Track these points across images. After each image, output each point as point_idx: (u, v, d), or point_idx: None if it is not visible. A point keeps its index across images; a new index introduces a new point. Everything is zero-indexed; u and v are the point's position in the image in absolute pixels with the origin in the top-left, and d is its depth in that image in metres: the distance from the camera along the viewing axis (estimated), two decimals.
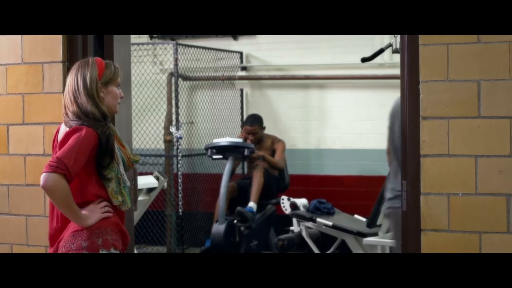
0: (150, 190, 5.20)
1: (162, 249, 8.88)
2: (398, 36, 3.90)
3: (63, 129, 3.43)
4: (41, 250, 4.06)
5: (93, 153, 3.32)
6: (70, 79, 3.43)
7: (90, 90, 3.38)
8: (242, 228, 7.81)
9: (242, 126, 8.81)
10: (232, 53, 9.35)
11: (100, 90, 3.41)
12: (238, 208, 7.58)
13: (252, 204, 7.73)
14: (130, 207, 3.48)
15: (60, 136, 3.42)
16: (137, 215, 5.01)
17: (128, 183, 3.46)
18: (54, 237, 3.41)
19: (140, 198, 4.95)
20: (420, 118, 3.35)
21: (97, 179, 3.37)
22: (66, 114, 3.41)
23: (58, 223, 3.39)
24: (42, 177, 3.21)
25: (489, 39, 3.26)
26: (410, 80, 3.40)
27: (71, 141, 3.28)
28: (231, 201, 7.92)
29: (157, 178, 5.20)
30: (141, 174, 5.84)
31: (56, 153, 3.38)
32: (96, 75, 3.41)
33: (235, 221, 7.55)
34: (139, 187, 4.54)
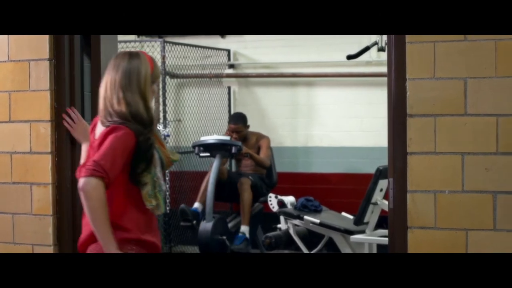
0: None
1: None
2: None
3: (100, 128, 3.23)
4: (28, 249, 4.04)
5: (129, 158, 3.15)
6: (119, 73, 3.20)
7: (143, 88, 3.19)
8: (230, 225, 7.81)
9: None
10: (220, 51, 9.35)
11: (150, 90, 3.23)
12: (231, 247, 7.53)
13: (244, 229, 7.68)
14: (163, 212, 3.30)
15: (97, 135, 3.24)
16: None
17: (164, 187, 3.28)
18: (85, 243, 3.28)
19: None
20: (407, 115, 3.35)
21: (125, 188, 3.22)
22: (108, 113, 3.19)
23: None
24: (81, 182, 3.04)
25: (475, 37, 3.26)
26: (397, 78, 3.40)
27: (107, 142, 3.10)
28: (219, 185, 7.87)
29: None
30: None
31: (93, 153, 3.19)
32: (149, 72, 3.23)
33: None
34: None
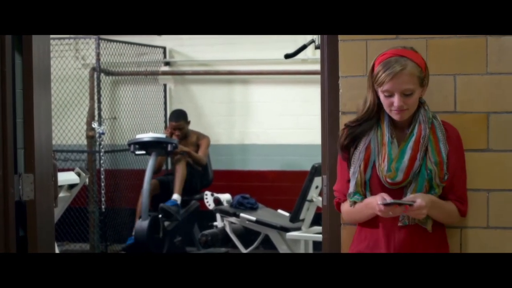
0: (71, 186, 5.14)
1: (85, 246, 8.80)
2: None
3: None
4: None
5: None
6: None
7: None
8: (166, 224, 7.79)
9: (165, 122, 8.79)
10: (155, 48, 9.31)
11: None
12: (161, 204, 7.56)
13: (176, 196, 7.73)
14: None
15: None
16: (58, 212, 4.95)
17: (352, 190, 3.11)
18: None
19: (61, 194, 4.89)
20: (340, 113, 3.36)
21: None
22: None
23: None
24: None
25: (407, 36, 3.29)
26: (330, 76, 3.42)
27: None
28: (153, 198, 7.88)
29: (79, 174, 5.15)
30: (63, 170, 5.76)
31: None
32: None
33: (159, 216, 7.53)
34: (59, 183, 4.47)
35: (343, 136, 3.11)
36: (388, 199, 2.89)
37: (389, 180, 2.99)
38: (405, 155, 2.99)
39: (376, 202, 2.91)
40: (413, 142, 3.00)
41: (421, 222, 3.01)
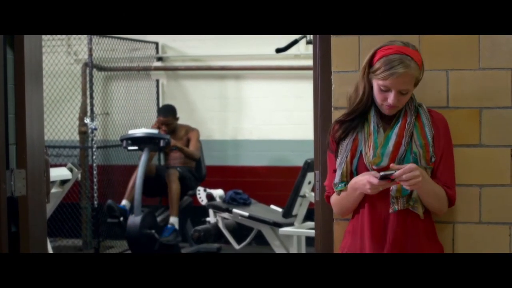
0: (63, 182, 5.13)
1: (77, 242, 8.79)
2: None
3: None
4: None
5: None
6: None
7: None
8: (158, 219, 7.80)
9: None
10: (148, 44, 9.29)
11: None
12: (159, 239, 7.56)
13: (173, 220, 7.73)
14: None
15: None
16: (50, 207, 4.94)
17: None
18: None
19: (53, 190, 4.88)
20: (332, 108, 3.36)
21: None
22: None
23: None
24: None
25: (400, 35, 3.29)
26: (322, 71, 3.41)
27: None
28: (146, 181, 7.83)
29: (71, 170, 5.14)
30: (55, 165, 5.75)
31: None
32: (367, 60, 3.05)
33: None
34: (52, 179, 4.47)
35: (339, 130, 3.10)
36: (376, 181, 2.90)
37: (374, 167, 3.00)
38: (390, 141, 3.01)
39: (367, 180, 2.92)
40: (398, 128, 3.02)
41: (412, 207, 3.01)
